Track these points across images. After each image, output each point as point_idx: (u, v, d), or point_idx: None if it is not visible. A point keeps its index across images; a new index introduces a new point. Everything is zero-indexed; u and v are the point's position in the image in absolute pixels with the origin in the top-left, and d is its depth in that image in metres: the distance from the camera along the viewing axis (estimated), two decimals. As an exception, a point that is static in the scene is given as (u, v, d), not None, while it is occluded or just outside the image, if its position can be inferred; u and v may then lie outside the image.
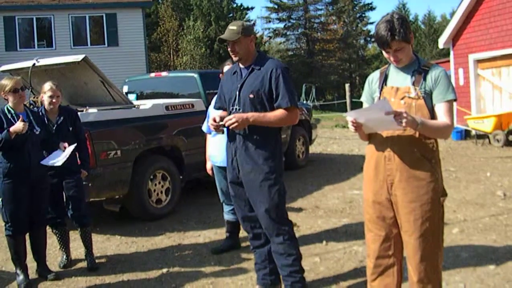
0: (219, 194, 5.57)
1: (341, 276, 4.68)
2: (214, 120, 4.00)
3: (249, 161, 4.00)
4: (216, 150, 5.28)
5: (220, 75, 5.26)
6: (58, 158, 4.84)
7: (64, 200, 5.23)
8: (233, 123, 3.86)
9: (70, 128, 5.15)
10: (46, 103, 5.11)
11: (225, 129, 4.04)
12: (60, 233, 5.30)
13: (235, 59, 4.11)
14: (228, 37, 3.99)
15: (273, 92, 3.97)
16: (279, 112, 3.97)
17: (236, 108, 4.04)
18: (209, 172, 5.67)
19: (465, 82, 15.24)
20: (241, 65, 4.15)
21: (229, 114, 4.07)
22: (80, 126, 5.33)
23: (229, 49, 4.06)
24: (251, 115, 3.91)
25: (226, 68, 5.23)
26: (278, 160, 4.09)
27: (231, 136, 4.11)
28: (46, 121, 5.06)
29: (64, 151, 4.89)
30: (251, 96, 3.98)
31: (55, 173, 5.07)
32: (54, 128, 5.07)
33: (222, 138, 5.10)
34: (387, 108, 2.89)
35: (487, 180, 8.60)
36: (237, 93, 4.05)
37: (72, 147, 4.89)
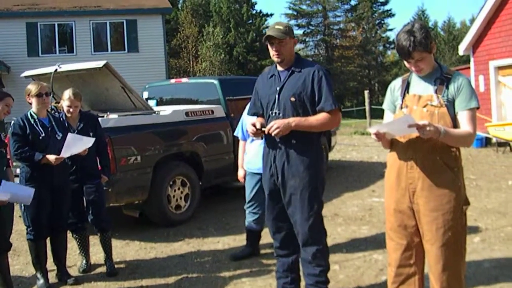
0: (246, 201, 5.48)
1: (361, 284, 4.64)
2: (254, 126, 3.89)
3: (289, 169, 3.89)
4: (254, 156, 5.18)
5: None
6: (75, 147, 4.79)
7: (85, 205, 5.27)
8: (275, 130, 3.75)
9: (91, 134, 5.18)
10: (65, 111, 5.16)
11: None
12: (80, 238, 5.34)
13: (277, 60, 3.94)
14: (277, 35, 3.83)
15: (315, 95, 3.85)
16: (321, 116, 3.84)
17: (275, 112, 3.92)
18: (241, 180, 5.56)
19: (485, 89, 15.11)
20: (279, 68, 4.02)
21: (268, 118, 3.97)
22: (100, 132, 5.36)
23: (272, 49, 3.91)
24: (293, 120, 3.78)
25: None
26: (320, 167, 3.99)
27: (270, 142, 3.98)
28: (67, 127, 5.10)
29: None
30: (293, 99, 3.86)
31: (76, 178, 5.13)
32: (75, 133, 5.11)
33: (259, 144, 5.07)
34: (410, 121, 2.88)
35: (508, 188, 8.50)
36: (277, 96, 3.92)
37: (92, 140, 4.90)
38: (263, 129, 3.85)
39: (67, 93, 5.12)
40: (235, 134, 5.71)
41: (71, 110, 5.11)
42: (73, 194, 5.10)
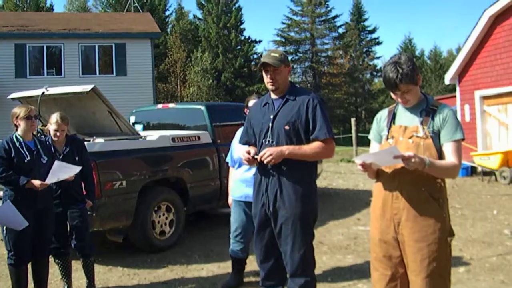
0: (232, 229, 5.40)
1: (346, 314, 4.61)
2: (248, 153, 3.88)
3: (282, 198, 3.86)
4: (237, 183, 5.16)
5: (246, 109, 5.12)
6: (61, 174, 4.76)
7: (68, 229, 5.21)
8: (268, 157, 3.73)
9: (77, 158, 5.15)
10: (52, 134, 5.13)
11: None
12: (62, 263, 5.26)
13: (271, 88, 3.95)
14: (273, 63, 3.85)
15: (309, 123, 3.84)
16: (315, 145, 3.84)
17: (269, 141, 3.90)
18: (231, 205, 5.49)
19: (471, 118, 15.27)
20: (273, 96, 4.02)
21: (260, 146, 3.95)
22: (86, 157, 5.33)
23: (267, 77, 3.92)
24: (286, 148, 3.77)
25: (251, 102, 5.05)
26: (313, 198, 3.97)
27: (263, 170, 3.94)
28: (53, 151, 5.07)
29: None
30: (287, 127, 3.85)
31: (60, 202, 5.08)
32: (60, 158, 5.07)
33: (245, 172, 5.04)
34: (396, 152, 2.90)
35: (493, 218, 8.53)
36: (270, 124, 3.91)
37: (78, 169, 4.86)
38: (255, 157, 3.83)
39: (54, 117, 5.09)
40: (226, 160, 5.67)
41: (57, 134, 5.08)
42: (57, 219, 5.04)
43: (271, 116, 3.94)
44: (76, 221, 5.13)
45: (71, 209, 5.13)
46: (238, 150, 5.00)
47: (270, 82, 3.93)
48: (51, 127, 5.10)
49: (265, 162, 3.76)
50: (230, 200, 5.50)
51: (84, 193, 5.27)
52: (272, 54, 3.94)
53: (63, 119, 5.11)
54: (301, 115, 3.86)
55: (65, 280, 5.30)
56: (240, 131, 5.28)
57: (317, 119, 3.84)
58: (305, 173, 3.91)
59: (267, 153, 3.73)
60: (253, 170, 4.79)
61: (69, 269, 5.33)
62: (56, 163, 4.70)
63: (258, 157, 3.79)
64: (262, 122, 4.00)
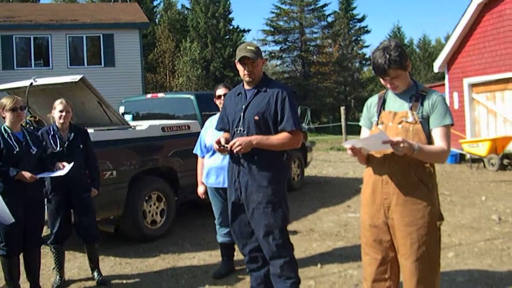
0: (216, 216, 5.50)
1: (337, 299, 4.65)
2: (219, 143, 3.98)
3: (253, 183, 3.97)
4: (213, 171, 5.26)
5: (214, 99, 5.28)
6: (55, 173, 4.82)
7: (72, 218, 5.25)
8: (237, 147, 3.85)
9: (81, 146, 5.19)
10: (56, 118, 5.15)
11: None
12: (57, 253, 5.26)
13: (248, 80, 4.06)
14: (251, 56, 3.96)
15: (278, 115, 3.97)
16: (282, 136, 3.96)
17: (240, 130, 4.02)
18: (201, 196, 5.57)
19: (460, 106, 15.35)
20: (246, 87, 4.14)
21: (233, 135, 4.07)
22: (90, 145, 5.36)
23: (244, 70, 4.02)
24: (255, 138, 3.90)
25: (219, 91, 5.22)
26: (282, 183, 4.08)
27: (234, 158, 4.07)
28: (58, 138, 5.10)
29: (62, 169, 4.85)
30: (256, 118, 3.97)
31: (66, 190, 5.10)
32: (65, 145, 5.09)
33: (217, 159, 5.14)
34: (384, 138, 2.92)
35: (482, 204, 8.62)
36: (242, 114, 4.03)
37: (69, 167, 4.86)
38: (226, 145, 3.95)
39: (59, 101, 5.15)
40: (194, 151, 5.71)
41: (63, 115, 5.10)
42: (62, 207, 5.10)
43: (243, 106, 4.06)
44: (82, 209, 5.18)
45: (76, 197, 5.15)
46: (211, 137, 5.11)
47: (247, 74, 4.04)
48: (56, 110, 5.14)
49: (234, 151, 3.90)
50: (201, 190, 5.55)
51: (89, 181, 5.31)
52: (249, 47, 4.03)
53: (68, 102, 5.17)
54: (270, 107, 3.98)
55: (58, 270, 5.30)
56: (208, 121, 5.47)
57: (285, 111, 3.96)
58: (273, 160, 4.02)
59: (237, 143, 3.86)
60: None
61: (63, 259, 5.35)
62: (58, 173, 4.78)
63: (228, 146, 3.91)
64: (235, 111, 4.12)
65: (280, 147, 4.00)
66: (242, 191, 4.04)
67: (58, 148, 5.05)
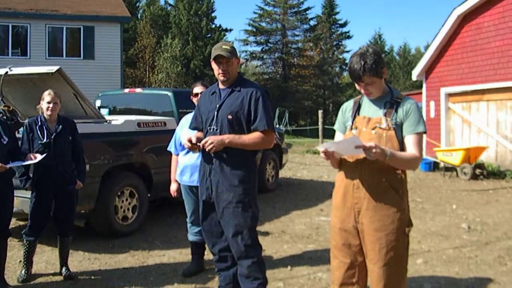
0: (188, 215, 5.47)
1: (305, 302, 4.66)
2: (190, 141, 3.98)
3: (223, 182, 3.98)
4: (187, 169, 5.24)
5: (191, 97, 5.31)
6: (26, 162, 4.76)
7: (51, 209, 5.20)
8: (209, 145, 3.85)
9: (70, 138, 5.16)
10: (44, 109, 5.10)
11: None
12: (29, 246, 5.18)
13: (223, 79, 4.06)
14: (226, 55, 3.96)
15: (251, 114, 3.98)
16: (255, 135, 3.98)
17: (213, 128, 4.03)
18: (173, 194, 5.54)
19: (436, 114, 15.51)
20: (220, 86, 4.14)
21: (206, 134, 4.07)
22: (78, 138, 5.32)
23: (219, 68, 4.03)
24: (227, 137, 3.91)
25: (196, 89, 5.27)
26: (253, 182, 4.09)
27: (206, 156, 4.07)
28: (45, 129, 5.04)
29: (33, 159, 4.78)
30: (229, 117, 3.97)
31: (50, 182, 5.04)
32: (53, 137, 5.03)
33: (192, 157, 5.12)
34: (357, 142, 2.94)
35: (452, 212, 8.72)
36: (215, 113, 4.04)
37: (41, 157, 4.79)
38: (198, 144, 3.95)
39: (47, 92, 5.13)
40: (168, 149, 5.68)
41: (50, 106, 5.06)
42: (45, 199, 5.07)
43: (217, 105, 4.07)
44: (64, 201, 5.15)
45: (60, 189, 5.10)
46: (186, 135, 5.07)
47: (222, 73, 4.04)
48: (44, 101, 5.09)
49: (206, 150, 3.90)
50: (173, 188, 5.53)
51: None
52: (224, 46, 4.04)
53: (56, 93, 5.14)
54: (244, 106, 4.00)
55: (25, 263, 5.21)
56: (184, 119, 5.46)
57: (258, 111, 3.99)
58: (245, 160, 4.03)
59: (209, 142, 3.87)
60: None
61: (33, 252, 5.28)
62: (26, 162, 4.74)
63: (201, 144, 3.92)
64: (208, 110, 4.13)
65: (252, 146, 4.02)
66: (213, 190, 4.04)
67: (45, 140, 4.99)
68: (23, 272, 5.20)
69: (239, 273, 4.10)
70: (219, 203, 4.02)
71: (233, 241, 4.01)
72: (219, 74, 4.06)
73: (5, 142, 4.66)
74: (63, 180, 5.10)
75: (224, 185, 3.98)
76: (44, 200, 5.08)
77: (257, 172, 4.22)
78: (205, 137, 4.04)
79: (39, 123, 5.07)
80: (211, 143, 3.86)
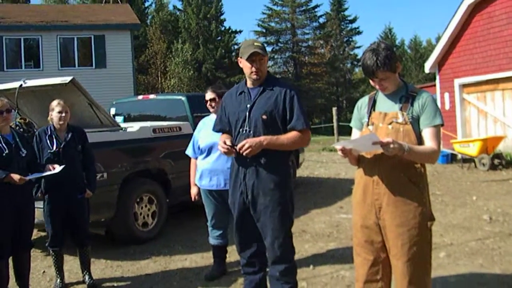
0: (208, 218, 5.45)
1: (329, 301, 4.64)
2: (225, 143, 3.85)
3: (259, 186, 3.86)
4: (206, 173, 5.20)
5: (207, 103, 5.24)
6: (45, 173, 4.79)
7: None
8: (247, 149, 3.73)
9: (79, 147, 5.18)
10: (55, 120, 5.11)
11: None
12: (56, 256, 5.21)
13: (255, 77, 3.91)
14: (262, 52, 3.85)
15: (287, 113, 3.87)
16: (292, 134, 3.87)
17: (246, 130, 3.89)
18: (194, 197, 5.49)
19: (451, 106, 15.40)
20: (249, 85, 4.01)
21: (237, 135, 3.95)
22: (88, 147, 5.33)
23: (252, 67, 3.87)
24: (264, 139, 3.78)
25: (207, 96, 5.21)
26: (289, 185, 4.00)
27: (240, 159, 3.91)
28: (54, 139, 5.06)
29: (52, 170, 4.81)
30: (264, 117, 3.85)
31: (62, 191, 5.05)
32: (62, 146, 5.05)
33: (211, 161, 5.09)
34: (374, 139, 2.92)
35: (473, 204, 8.64)
36: (247, 113, 3.90)
37: (60, 168, 4.82)
38: (233, 147, 3.83)
39: (56, 102, 5.13)
40: (186, 152, 5.66)
41: (63, 115, 5.08)
42: (59, 208, 5.06)
43: (248, 106, 3.93)
44: (77, 211, 5.15)
45: (69, 198, 5.10)
46: (205, 138, 5.11)
47: (255, 72, 3.89)
48: (55, 111, 5.11)
49: (244, 154, 3.76)
50: (194, 192, 5.48)
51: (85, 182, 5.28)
52: (256, 43, 3.92)
53: (65, 102, 5.16)
54: (278, 105, 3.87)
55: (57, 273, 5.24)
56: (202, 122, 5.39)
57: (294, 110, 3.87)
58: (281, 162, 3.94)
59: (246, 145, 3.73)
60: (223, 158, 4.83)
61: (62, 261, 5.31)
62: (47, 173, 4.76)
63: (237, 148, 3.79)
64: (238, 111, 3.98)
65: (290, 146, 3.91)
66: (248, 194, 3.92)
67: (54, 149, 5.01)
68: (57, 281, 5.23)
69: (270, 274, 4.04)
70: (256, 208, 3.92)
71: (269, 245, 3.93)
72: (252, 72, 3.90)
73: (23, 155, 4.70)
74: (73, 189, 5.11)
75: (260, 189, 3.86)
76: (56, 209, 5.07)
77: (292, 174, 4.12)
78: (235, 139, 3.93)
79: (49, 133, 5.10)
80: (249, 146, 3.73)
